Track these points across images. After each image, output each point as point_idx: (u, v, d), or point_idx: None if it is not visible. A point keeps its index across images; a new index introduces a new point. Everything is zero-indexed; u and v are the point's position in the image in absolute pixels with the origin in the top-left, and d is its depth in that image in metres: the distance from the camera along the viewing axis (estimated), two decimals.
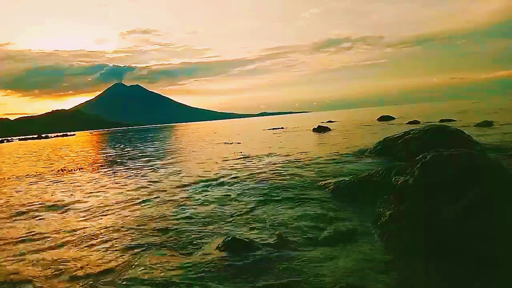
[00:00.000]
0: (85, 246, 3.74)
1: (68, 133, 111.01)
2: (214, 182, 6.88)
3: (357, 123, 26.61)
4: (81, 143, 35.81)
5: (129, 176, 8.72)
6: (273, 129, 29.09)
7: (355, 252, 3.09)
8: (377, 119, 28.54)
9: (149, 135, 42.94)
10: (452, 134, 7.22)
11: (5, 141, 70.09)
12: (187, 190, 6.37)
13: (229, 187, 6.30)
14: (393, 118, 27.84)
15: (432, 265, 2.77)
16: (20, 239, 4.18)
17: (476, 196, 3.08)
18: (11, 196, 7.10)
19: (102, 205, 5.68)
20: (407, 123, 20.46)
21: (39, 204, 6.12)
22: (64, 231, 4.34)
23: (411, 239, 3.24)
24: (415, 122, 20.52)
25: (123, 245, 3.69)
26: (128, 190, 6.80)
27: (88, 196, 6.51)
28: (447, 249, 2.95)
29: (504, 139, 9.44)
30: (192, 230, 4.03)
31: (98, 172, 10.13)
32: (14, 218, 5.24)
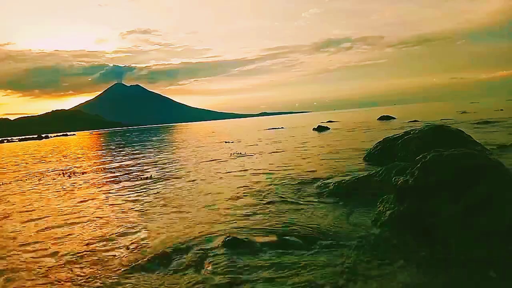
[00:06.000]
0: None
1: (68, 133, 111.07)
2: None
3: (357, 123, 26.60)
4: (81, 143, 35.80)
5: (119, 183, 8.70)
6: (274, 129, 29.08)
7: (354, 253, 3.08)
8: (377, 119, 28.55)
9: (149, 135, 42.92)
10: (452, 134, 7.20)
11: (5, 141, 70.08)
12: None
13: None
14: (393, 118, 27.86)
15: (432, 265, 2.77)
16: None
17: (476, 196, 3.08)
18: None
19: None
20: (407, 123, 20.46)
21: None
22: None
23: (411, 239, 3.23)
24: (415, 122, 20.53)
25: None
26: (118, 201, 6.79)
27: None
28: (447, 249, 2.95)
29: (504, 138, 9.44)
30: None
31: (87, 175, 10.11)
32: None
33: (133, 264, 3.19)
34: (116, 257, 3.39)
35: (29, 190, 7.76)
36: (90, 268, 3.18)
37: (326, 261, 2.95)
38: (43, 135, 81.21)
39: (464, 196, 3.13)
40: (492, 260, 2.72)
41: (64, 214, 5.22)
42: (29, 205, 6.11)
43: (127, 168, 10.37)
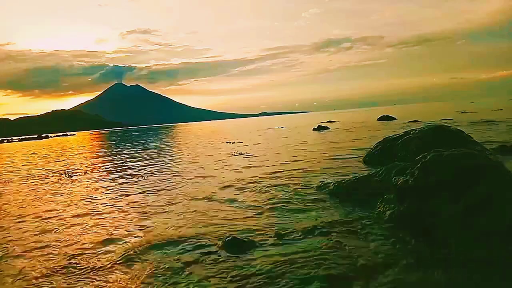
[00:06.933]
0: None
1: (68, 133, 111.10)
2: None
3: (357, 123, 26.59)
4: (81, 143, 35.81)
5: (123, 183, 8.70)
6: (274, 128, 29.07)
7: (354, 253, 3.08)
8: (377, 119, 28.52)
9: (149, 135, 42.92)
10: (452, 134, 7.20)
11: (5, 141, 70.05)
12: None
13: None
14: (393, 118, 27.81)
15: (432, 265, 2.77)
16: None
17: (476, 196, 3.08)
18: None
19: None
20: (407, 123, 20.45)
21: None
22: None
23: (411, 239, 3.23)
24: (415, 122, 20.53)
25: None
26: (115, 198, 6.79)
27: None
28: (447, 249, 2.95)
29: (504, 138, 9.44)
30: None
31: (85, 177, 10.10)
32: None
33: (133, 261, 3.20)
34: (118, 254, 3.39)
35: (31, 189, 7.76)
36: (89, 264, 3.19)
37: (325, 261, 2.95)
38: (43, 135, 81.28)
39: (464, 196, 3.13)
40: (492, 260, 2.73)
41: (63, 212, 5.23)
42: (33, 203, 6.12)
43: (127, 168, 10.37)
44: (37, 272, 3.19)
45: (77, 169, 11.23)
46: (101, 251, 3.57)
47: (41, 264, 3.37)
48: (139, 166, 10.64)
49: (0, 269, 3.34)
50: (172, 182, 7.33)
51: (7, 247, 3.95)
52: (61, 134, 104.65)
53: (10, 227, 4.80)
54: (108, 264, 3.25)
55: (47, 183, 8.64)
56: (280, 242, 3.45)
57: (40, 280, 3.04)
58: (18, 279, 3.09)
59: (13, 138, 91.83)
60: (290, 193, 5.42)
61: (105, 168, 11.04)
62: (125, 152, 17.49)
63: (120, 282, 2.88)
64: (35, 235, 4.33)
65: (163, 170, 9.33)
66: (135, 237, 3.95)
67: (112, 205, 5.65)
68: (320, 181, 5.89)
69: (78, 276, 3.06)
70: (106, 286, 2.84)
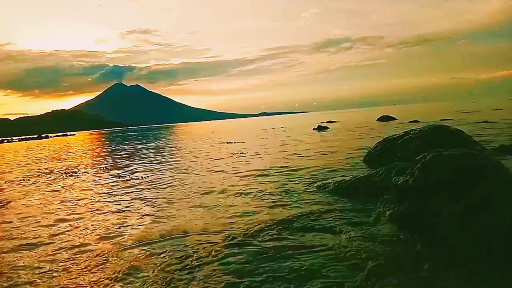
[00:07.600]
0: None
1: (68, 133, 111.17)
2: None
3: (357, 124, 26.59)
4: (81, 143, 35.81)
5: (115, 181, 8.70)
6: (274, 128, 29.04)
7: (354, 253, 3.08)
8: (377, 119, 28.50)
9: (149, 135, 42.90)
10: (452, 134, 7.20)
11: (5, 141, 70.04)
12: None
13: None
14: (393, 118, 27.80)
15: (432, 265, 2.77)
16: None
17: (476, 196, 3.08)
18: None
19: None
20: (407, 123, 20.45)
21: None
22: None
23: (411, 240, 3.24)
24: (415, 122, 20.54)
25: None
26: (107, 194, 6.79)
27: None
28: (447, 249, 2.95)
29: (503, 138, 9.45)
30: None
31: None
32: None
33: (136, 258, 3.20)
34: (118, 249, 3.40)
35: (32, 189, 7.76)
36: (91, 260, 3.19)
37: (324, 261, 2.95)
38: (43, 135, 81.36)
39: (464, 196, 3.13)
40: (492, 260, 2.73)
41: (63, 210, 5.24)
42: (34, 202, 6.12)
43: (127, 167, 10.37)
44: (37, 266, 3.20)
45: (78, 168, 11.23)
46: (102, 248, 3.58)
47: (41, 259, 3.38)
48: (139, 166, 10.64)
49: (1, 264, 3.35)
50: (172, 181, 7.33)
51: (10, 242, 3.96)
52: (61, 134, 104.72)
53: (10, 225, 4.81)
54: (109, 259, 3.25)
55: (48, 182, 8.64)
56: (280, 242, 3.44)
57: (42, 274, 3.05)
58: (18, 274, 3.10)
59: (13, 138, 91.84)
60: (290, 192, 5.42)
61: (106, 167, 11.04)
62: (126, 152, 17.49)
63: (121, 277, 2.88)
64: (35, 232, 4.33)
65: (164, 169, 9.33)
66: (135, 234, 3.95)
67: (112, 203, 5.66)
68: (320, 181, 5.90)
69: (78, 272, 3.06)
70: (107, 281, 2.84)
